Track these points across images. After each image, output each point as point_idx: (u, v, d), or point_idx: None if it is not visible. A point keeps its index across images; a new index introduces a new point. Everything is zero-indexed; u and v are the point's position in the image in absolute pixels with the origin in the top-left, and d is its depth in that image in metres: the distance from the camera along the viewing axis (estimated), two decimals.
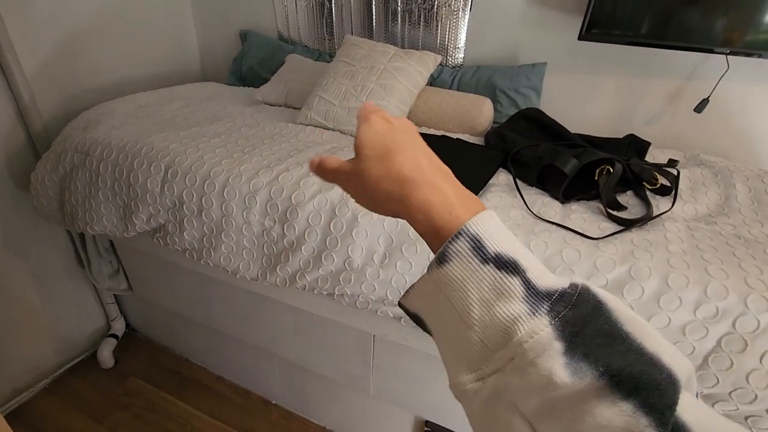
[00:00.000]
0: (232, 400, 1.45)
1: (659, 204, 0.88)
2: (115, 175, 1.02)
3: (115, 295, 1.58)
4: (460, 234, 0.24)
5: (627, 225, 0.79)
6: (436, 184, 0.28)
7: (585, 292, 0.22)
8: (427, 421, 1.13)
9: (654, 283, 0.68)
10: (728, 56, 1.08)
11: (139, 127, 1.13)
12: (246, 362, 1.41)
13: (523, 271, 0.23)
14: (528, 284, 0.23)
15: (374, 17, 1.49)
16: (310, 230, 0.86)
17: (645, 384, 0.19)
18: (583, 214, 0.83)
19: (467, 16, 1.36)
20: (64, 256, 1.45)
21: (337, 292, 0.88)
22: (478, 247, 0.24)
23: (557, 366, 0.20)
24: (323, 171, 0.34)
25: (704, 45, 1.06)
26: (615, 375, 0.19)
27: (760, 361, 0.63)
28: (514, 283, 0.23)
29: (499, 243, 0.24)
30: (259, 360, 1.36)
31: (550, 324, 0.21)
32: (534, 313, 0.22)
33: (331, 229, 0.84)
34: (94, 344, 1.59)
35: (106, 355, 1.53)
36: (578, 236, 0.76)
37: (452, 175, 0.30)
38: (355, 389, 1.18)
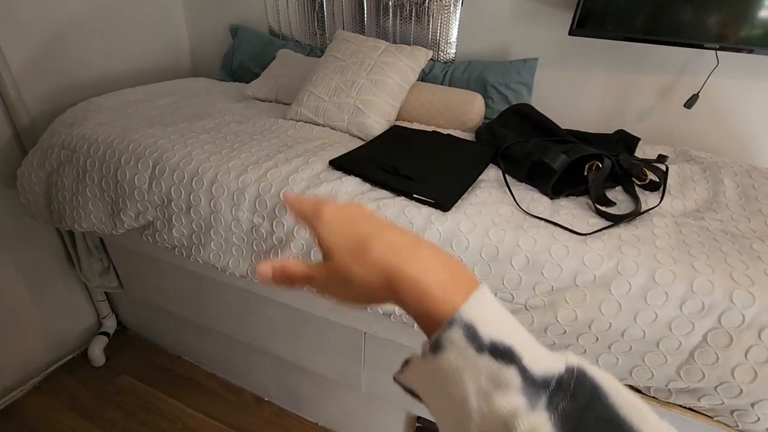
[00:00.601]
0: (224, 398, 1.45)
1: (648, 199, 0.89)
2: (102, 171, 1.01)
3: (105, 292, 1.57)
4: (454, 321, 0.24)
5: (615, 221, 0.79)
6: (421, 262, 0.27)
7: (581, 376, 0.22)
8: (418, 417, 1.13)
9: (641, 279, 0.68)
10: (718, 52, 1.09)
11: (126, 123, 1.12)
12: (238, 359, 1.41)
13: (519, 359, 0.23)
14: (525, 374, 0.22)
15: (365, 12, 1.48)
16: (299, 227, 0.85)
17: None
18: (572, 210, 0.83)
19: (459, 11, 1.36)
20: (53, 253, 1.44)
21: None
22: (472, 336, 0.23)
23: None
24: (287, 277, 0.31)
25: (694, 41, 1.07)
26: None
27: (745, 356, 0.64)
28: (511, 374, 0.22)
29: (492, 328, 0.24)
30: (252, 357, 1.36)
31: (550, 420, 0.21)
32: (533, 407, 0.21)
33: None
34: (85, 342, 1.58)
35: (97, 352, 1.53)
36: (567, 232, 0.76)
37: (430, 243, 0.29)
38: (347, 386, 1.19)
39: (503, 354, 0.23)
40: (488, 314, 0.24)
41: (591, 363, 0.24)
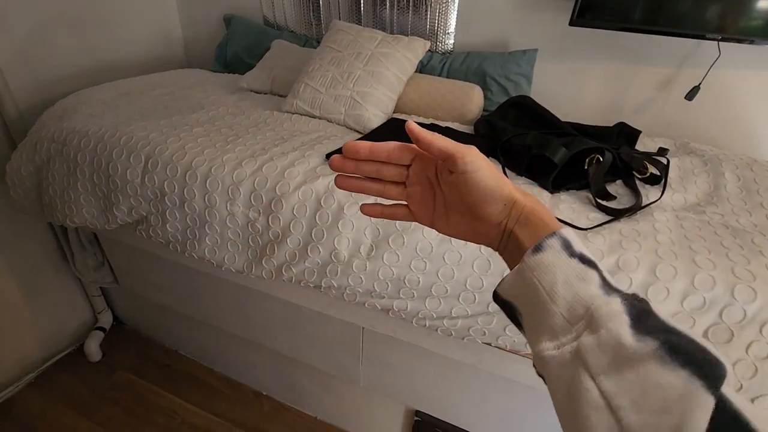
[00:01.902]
0: (222, 393, 1.44)
1: (648, 193, 0.88)
2: (93, 165, 0.99)
3: (101, 287, 1.55)
4: (555, 234, 0.30)
5: (616, 215, 0.78)
6: (537, 202, 0.34)
7: (646, 300, 0.27)
8: (417, 411, 1.13)
9: (642, 274, 0.67)
10: (720, 43, 1.07)
11: (118, 115, 1.09)
12: (236, 354, 1.40)
13: (600, 270, 0.28)
14: (603, 278, 0.28)
15: (362, 2, 1.45)
16: (295, 222, 0.84)
17: (698, 359, 0.22)
18: (572, 204, 0.82)
19: (457, 1, 1.33)
20: (46, 248, 1.41)
21: (324, 285, 0.87)
22: (567, 245, 0.29)
23: (625, 332, 0.24)
24: (428, 143, 0.33)
25: (696, 31, 1.05)
26: (673, 348, 0.22)
27: (746, 351, 0.64)
28: (593, 275, 0.28)
29: (582, 247, 0.30)
30: (250, 352, 1.35)
31: (622, 303, 0.26)
32: (608, 295, 0.26)
33: (317, 220, 0.82)
34: (80, 337, 1.57)
35: (93, 348, 1.51)
36: (567, 227, 0.75)
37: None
38: (345, 380, 1.18)
39: (588, 262, 0.29)
40: (577, 240, 0.30)
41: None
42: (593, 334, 0.25)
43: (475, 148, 0.33)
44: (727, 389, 0.21)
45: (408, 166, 0.37)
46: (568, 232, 0.30)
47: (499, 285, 0.33)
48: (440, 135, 0.33)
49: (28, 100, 1.25)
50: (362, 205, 0.39)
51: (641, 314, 0.25)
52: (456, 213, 0.36)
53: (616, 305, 0.25)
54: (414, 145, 0.35)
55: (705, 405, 0.20)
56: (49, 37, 1.30)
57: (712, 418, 0.20)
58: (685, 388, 0.21)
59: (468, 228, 0.36)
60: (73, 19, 1.36)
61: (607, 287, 0.27)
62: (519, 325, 0.32)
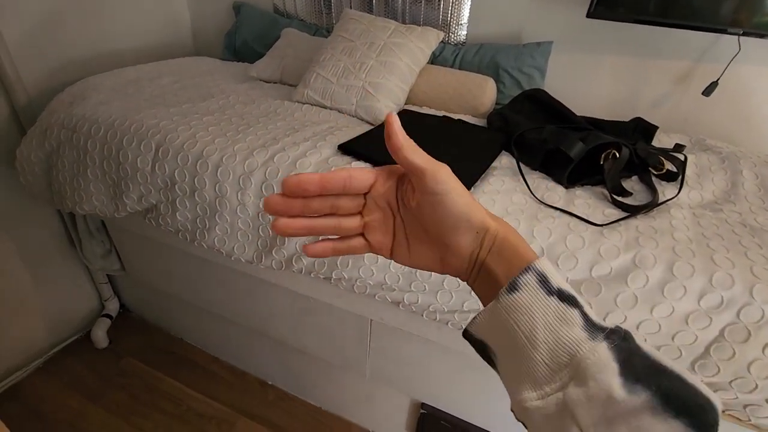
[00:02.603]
0: (228, 381, 1.45)
1: (665, 190, 0.86)
2: (103, 153, 0.98)
3: (108, 275, 1.56)
4: (529, 269, 0.27)
5: (632, 211, 0.77)
6: (510, 229, 0.31)
7: (628, 333, 0.26)
8: (423, 404, 1.13)
9: (659, 272, 0.66)
10: (740, 37, 1.05)
11: (127, 102, 1.08)
12: (242, 343, 1.41)
13: (581, 306, 0.27)
14: (585, 317, 0.26)
15: None
16: None
17: (692, 405, 0.22)
18: (587, 200, 0.81)
19: None
20: (54, 235, 1.42)
21: (334, 276, 0.87)
22: (543, 281, 0.27)
23: (615, 383, 0.23)
24: (405, 156, 0.28)
25: (716, 25, 1.03)
26: (666, 396, 0.22)
27: (763, 351, 0.63)
28: (575, 314, 0.26)
29: (559, 281, 0.28)
30: (255, 341, 1.35)
31: (609, 348, 0.24)
32: (593, 339, 0.25)
33: None
34: (88, 324, 1.58)
35: (100, 335, 1.52)
36: (582, 222, 0.74)
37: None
38: (351, 371, 1.18)
39: (568, 299, 0.27)
40: (554, 271, 0.28)
41: None
42: (581, 386, 0.24)
43: (447, 167, 0.30)
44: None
45: (366, 193, 0.32)
46: (545, 265, 0.28)
47: (470, 323, 0.30)
48: (414, 144, 0.29)
49: (37, 86, 1.25)
50: (305, 246, 0.33)
51: (628, 357, 0.24)
52: (419, 242, 0.32)
53: (603, 352, 0.24)
54: (375, 169, 0.32)
55: None
56: (58, 23, 1.29)
57: None
58: None
59: (434, 258, 0.32)
60: (82, 5, 1.34)
61: (590, 327, 0.25)
62: (492, 364, 0.30)
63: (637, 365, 0.23)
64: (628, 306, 0.68)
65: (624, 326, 0.70)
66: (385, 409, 1.25)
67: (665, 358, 0.24)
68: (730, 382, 0.66)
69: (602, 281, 0.69)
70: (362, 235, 0.34)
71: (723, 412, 0.72)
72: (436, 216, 0.30)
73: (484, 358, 0.31)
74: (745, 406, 0.68)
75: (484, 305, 0.30)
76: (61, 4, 1.29)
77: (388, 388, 1.18)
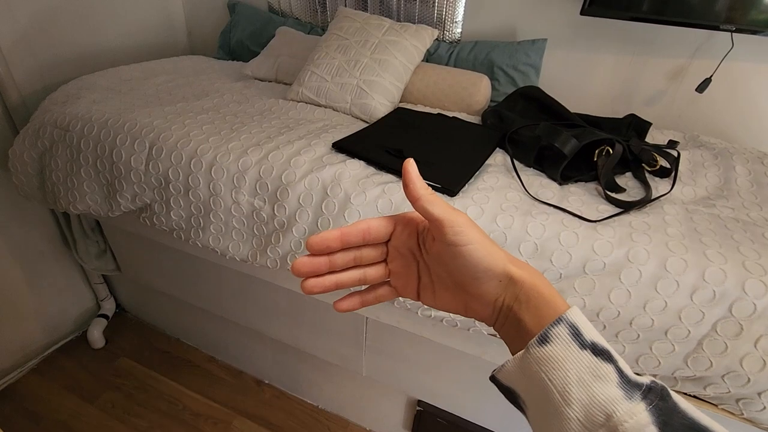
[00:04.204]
0: (224, 380, 1.45)
1: (658, 186, 0.87)
2: (97, 152, 0.98)
3: (103, 275, 1.55)
4: (561, 320, 0.26)
5: (625, 207, 0.77)
6: (537, 275, 0.30)
7: (665, 390, 0.25)
8: (419, 401, 1.14)
9: (652, 267, 0.67)
10: (733, 34, 1.05)
11: (121, 102, 1.08)
12: (238, 342, 1.41)
13: (615, 361, 0.25)
14: (621, 372, 0.25)
15: None
16: (301, 211, 0.83)
17: None
18: (581, 196, 0.81)
19: None
20: (48, 235, 1.41)
21: None
22: (576, 334, 0.26)
23: None
24: (424, 205, 0.29)
25: (709, 21, 1.03)
26: None
27: (755, 346, 0.63)
28: (610, 370, 0.25)
29: (592, 333, 0.27)
30: (252, 340, 1.35)
31: (647, 409, 0.23)
32: (630, 398, 0.24)
33: (323, 209, 0.82)
34: (83, 324, 1.57)
35: (96, 335, 1.52)
36: (576, 219, 0.74)
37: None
38: (347, 369, 1.18)
39: (602, 353, 0.25)
40: (586, 323, 0.27)
41: None
42: None
43: (465, 215, 0.30)
44: None
45: (387, 241, 0.33)
46: (576, 316, 0.27)
47: (499, 370, 0.29)
48: (432, 192, 0.29)
49: (30, 85, 1.24)
50: (336, 303, 0.33)
51: (668, 419, 0.23)
52: (443, 287, 0.32)
53: (641, 415, 0.23)
54: (393, 217, 0.32)
55: None
56: (51, 21, 1.28)
57: None
58: None
59: (458, 303, 0.32)
60: (75, 3, 1.34)
61: (627, 384, 0.24)
62: (522, 411, 0.30)
63: (677, 427, 0.23)
64: (621, 301, 0.68)
65: (618, 322, 0.70)
66: (381, 406, 1.25)
67: (704, 416, 0.24)
68: (723, 376, 0.66)
69: (596, 277, 0.69)
70: (388, 282, 0.34)
71: (716, 406, 0.72)
72: (456, 265, 0.29)
73: (513, 404, 0.30)
74: (737, 400, 0.68)
75: (512, 352, 0.29)
76: (55, 2, 1.28)
77: (384, 385, 1.18)
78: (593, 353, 0.25)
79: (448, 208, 0.29)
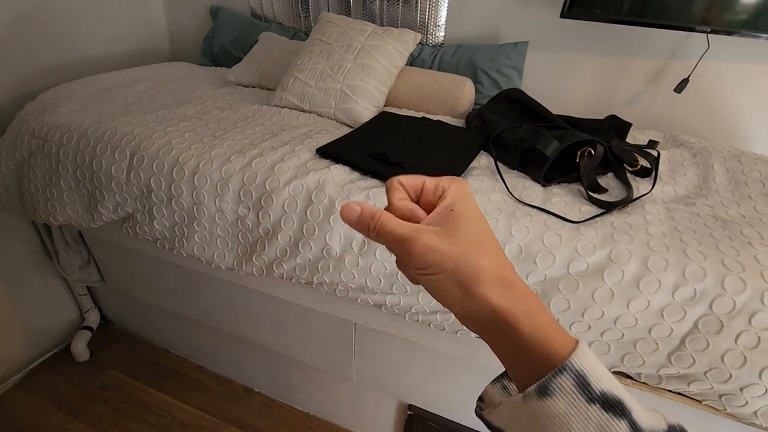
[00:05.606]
0: (213, 390, 1.43)
1: (639, 186, 0.88)
2: (77, 162, 0.96)
3: (87, 286, 1.52)
4: (565, 369, 0.23)
5: (608, 208, 0.78)
6: (533, 306, 0.26)
7: (684, 429, 0.23)
8: (410, 405, 1.13)
9: (634, 267, 0.67)
10: (709, 35, 1.07)
11: (101, 110, 1.06)
12: (226, 351, 1.39)
13: (629, 412, 0.22)
14: (634, 427, 0.22)
15: None
16: (286, 217, 0.83)
17: None
18: (564, 197, 0.82)
19: None
20: (30, 246, 1.38)
21: (315, 281, 0.86)
22: (584, 385, 0.22)
23: None
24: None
25: (685, 23, 1.05)
26: None
27: (736, 342, 0.64)
28: (622, 427, 0.21)
29: (602, 379, 0.23)
30: (240, 348, 1.34)
31: None
32: None
33: (308, 216, 0.81)
34: (67, 337, 1.54)
35: (80, 347, 1.49)
36: (559, 220, 0.75)
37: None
38: (337, 375, 1.18)
39: (614, 406, 0.22)
40: (596, 365, 0.23)
41: None
42: None
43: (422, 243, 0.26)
44: None
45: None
46: (584, 359, 0.23)
47: (489, 410, 0.27)
48: (390, 217, 0.28)
49: (7, 94, 1.22)
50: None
51: None
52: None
53: None
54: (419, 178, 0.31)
55: None
56: (29, 29, 1.26)
57: None
58: None
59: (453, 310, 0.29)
60: (54, 10, 1.31)
61: None
62: None
63: None
64: (605, 301, 0.69)
65: (603, 323, 0.70)
66: (372, 411, 1.24)
67: None
68: (705, 372, 0.67)
69: (579, 277, 0.70)
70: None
71: (700, 402, 0.73)
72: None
73: None
74: (720, 396, 0.69)
75: (502, 361, 0.26)
76: (33, 9, 1.26)
77: (374, 390, 1.17)
78: (603, 408, 0.22)
79: (406, 230, 0.27)
